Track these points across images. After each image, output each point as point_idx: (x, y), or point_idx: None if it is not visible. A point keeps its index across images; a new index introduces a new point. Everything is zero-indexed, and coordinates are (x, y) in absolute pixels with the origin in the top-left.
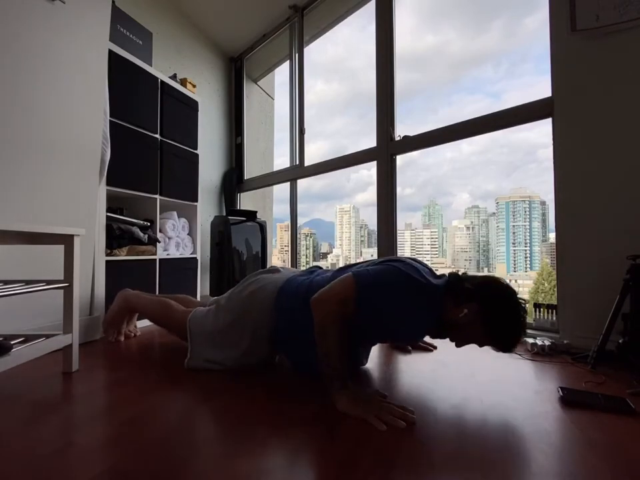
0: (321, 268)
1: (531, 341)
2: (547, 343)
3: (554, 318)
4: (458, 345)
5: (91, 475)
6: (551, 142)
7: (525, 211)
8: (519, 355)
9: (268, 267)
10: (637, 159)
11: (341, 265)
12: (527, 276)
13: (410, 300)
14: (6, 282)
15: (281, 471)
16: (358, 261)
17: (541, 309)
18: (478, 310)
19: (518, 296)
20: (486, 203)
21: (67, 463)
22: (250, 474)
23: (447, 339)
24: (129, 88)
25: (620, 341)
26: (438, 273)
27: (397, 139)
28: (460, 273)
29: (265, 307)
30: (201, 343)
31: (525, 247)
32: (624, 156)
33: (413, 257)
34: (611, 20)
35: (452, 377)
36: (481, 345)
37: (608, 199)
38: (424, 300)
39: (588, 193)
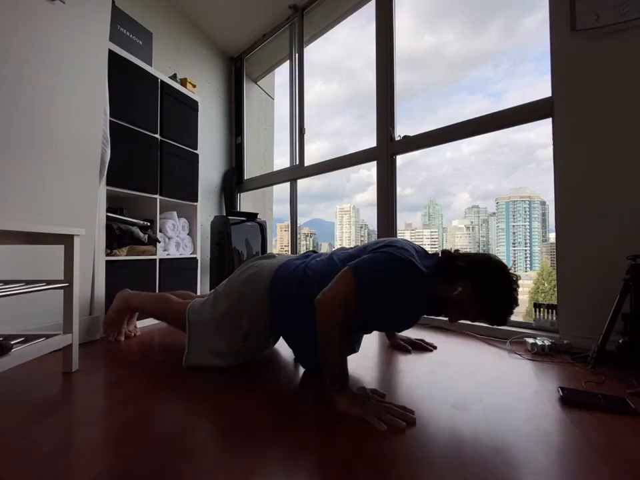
0: (316, 252)
1: (531, 341)
2: (547, 343)
3: (554, 318)
4: (452, 320)
5: (91, 474)
6: (551, 142)
7: (525, 211)
8: (519, 355)
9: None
10: (636, 159)
11: None
12: (527, 276)
13: (406, 289)
14: (6, 282)
15: (279, 473)
16: (352, 245)
17: (541, 309)
18: (471, 287)
19: (510, 271)
20: (486, 203)
21: (67, 462)
22: (249, 474)
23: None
24: (129, 88)
25: (620, 341)
26: (430, 252)
27: (397, 139)
28: (452, 251)
29: (261, 290)
30: (200, 332)
31: (525, 246)
32: (624, 155)
33: (406, 239)
34: (611, 20)
35: (452, 377)
36: (474, 320)
37: (608, 199)
38: (418, 286)
39: (587, 193)
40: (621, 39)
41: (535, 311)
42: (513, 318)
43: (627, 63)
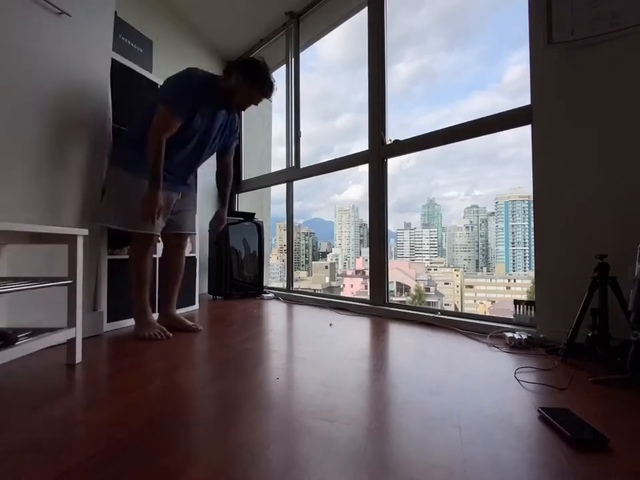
0: None
1: (509, 335)
2: (524, 336)
3: (532, 314)
4: (240, 106)
5: (100, 447)
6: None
7: (524, 211)
8: (497, 347)
9: (264, 265)
10: (608, 164)
11: (340, 264)
12: (525, 275)
13: (199, 90)
14: (15, 279)
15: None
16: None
17: (521, 305)
18: (239, 72)
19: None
20: (485, 203)
21: (72, 439)
22: (240, 444)
23: None
24: (130, 94)
25: (589, 334)
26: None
27: (388, 142)
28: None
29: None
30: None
31: (524, 246)
32: (596, 161)
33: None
34: (584, 34)
35: (431, 366)
36: (253, 99)
37: (581, 202)
38: (206, 82)
39: (563, 195)
40: (594, 51)
41: (516, 307)
42: (494, 314)
43: (598, 73)
